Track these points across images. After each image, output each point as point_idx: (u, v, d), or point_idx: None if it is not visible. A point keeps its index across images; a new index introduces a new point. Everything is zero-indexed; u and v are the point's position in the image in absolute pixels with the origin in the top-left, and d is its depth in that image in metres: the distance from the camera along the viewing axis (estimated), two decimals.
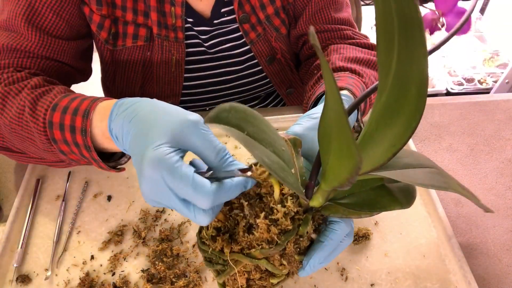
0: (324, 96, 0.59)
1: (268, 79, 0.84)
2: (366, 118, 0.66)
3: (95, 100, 0.48)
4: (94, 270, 0.53)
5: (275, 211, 0.39)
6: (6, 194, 0.64)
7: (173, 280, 0.51)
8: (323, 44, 0.77)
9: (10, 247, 0.54)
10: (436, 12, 0.37)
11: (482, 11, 2.27)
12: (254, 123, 0.37)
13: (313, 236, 0.42)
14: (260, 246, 0.38)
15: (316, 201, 0.39)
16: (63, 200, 0.60)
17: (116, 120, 0.43)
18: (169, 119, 0.40)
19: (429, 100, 0.80)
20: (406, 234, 0.57)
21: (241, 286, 0.41)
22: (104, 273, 0.53)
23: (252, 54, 0.78)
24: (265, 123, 0.39)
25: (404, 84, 0.26)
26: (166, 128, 0.39)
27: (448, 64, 2.09)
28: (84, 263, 0.54)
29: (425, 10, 0.37)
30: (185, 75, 0.77)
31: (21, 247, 0.54)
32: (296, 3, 0.75)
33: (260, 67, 0.81)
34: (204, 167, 0.41)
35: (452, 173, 0.67)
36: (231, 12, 0.72)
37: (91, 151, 0.47)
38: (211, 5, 0.70)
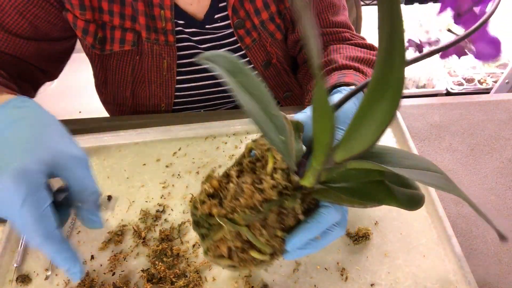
0: (330, 92, 0.60)
1: (264, 83, 0.84)
2: None
3: None
4: (94, 270, 0.53)
5: (263, 182, 0.40)
6: None
7: (173, 280, 0.51)
8: (321, 47, 0.77)
9: (10, 247, 0.54)
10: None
11: None
12: (247, 76, 0.37)
13: (301, 217, 0.42)
14: (243, 212, 0.39)
15: (307, 180, 0.39)
16: None
17: None
18: (55, 143, 0.41)
19: (429, 100, 0.80)
20: (406, 234, 0.57)
21: (222, 254, 0.41)
22: (104, 273, 0.53)
23: (247, 59, 0.78)
24: (260, 83, 0.39)
25: (390, 54, 0.27)
26: (49, 149, 0.40)
27: (448, 64, 2.09)
28: (84, 263, 0.54)
29: (453, 35, 0.35)
30: (179, 77, 0.77)
31: (21, 247, 0.54)
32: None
33: (256, 72, 0.81)
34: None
35: (452, 173, 0.67)
36: (225, 18, 0.71)
37: None
38: (204, 10, 0.70)
